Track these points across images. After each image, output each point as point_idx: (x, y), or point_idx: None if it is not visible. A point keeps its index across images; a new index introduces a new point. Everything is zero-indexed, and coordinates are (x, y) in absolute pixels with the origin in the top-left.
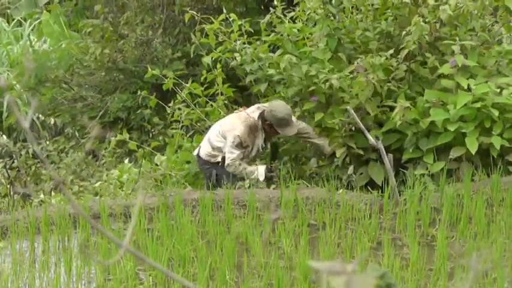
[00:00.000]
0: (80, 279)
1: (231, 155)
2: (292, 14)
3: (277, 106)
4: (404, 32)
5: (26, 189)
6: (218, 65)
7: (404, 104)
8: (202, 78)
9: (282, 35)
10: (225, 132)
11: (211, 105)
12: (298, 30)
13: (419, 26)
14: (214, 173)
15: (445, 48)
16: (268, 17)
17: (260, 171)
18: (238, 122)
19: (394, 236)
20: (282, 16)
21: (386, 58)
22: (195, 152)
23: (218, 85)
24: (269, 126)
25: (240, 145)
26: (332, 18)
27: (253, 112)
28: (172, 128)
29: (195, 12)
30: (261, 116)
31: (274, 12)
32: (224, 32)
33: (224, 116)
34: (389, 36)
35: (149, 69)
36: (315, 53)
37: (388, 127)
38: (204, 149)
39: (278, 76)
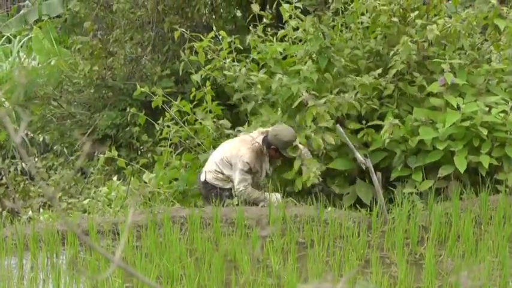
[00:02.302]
0: None
1: (243, 182)
2: (282, 31)
3: (282, 130)
4: (392, 52)
5: (14, 205)
6: (207, 83)
7: (393, 122)
8: (191, 96)
9: (266, 53)
10: (231, 158)
11: (200, 122)
12: (283, 49)
13: (407, 45)
14: (225, 194)
15: (434, 67)
16: (249, 37)
17: (274, 199)
18: (244, 147)
19: (382, 254)
20: (262, 35)
21: (375, 77)
22: (202, 178)
23: (207, 103)
24: (274, 150)
25: (249, 171)
26: (322, 36)
27: (257, 137)
28: (161, 146)
29: (184, 30)
30: (265, 140)
31: (255, 32)
32: (213, 50)
33: (219, 139)
34: (378, 55)
35: (138, 86)
36: (304, 73)
37: (376, 146)
38: (211, 175)
39: (266, 96)
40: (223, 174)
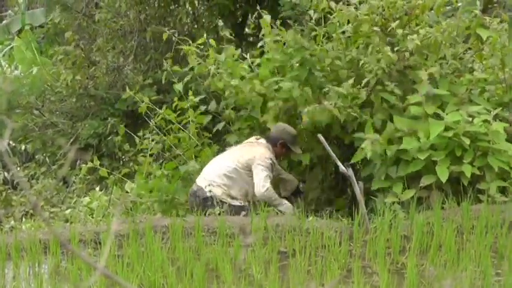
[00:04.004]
0: None
1: (267, 179)
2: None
3: (287, 126)
4: (367, 60)
5: None
6: (190, 92)
7: (374, 138)
8: (173, 106)
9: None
10: (249, 162)
11: (183, 130)
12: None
13: (386, 55)
14: (227, 210)
15: (415, 76)
16: (223, 54)
17: (290, 207)
18: (257, 147)
19: (364, 264)
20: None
21: (353, 85)
22: (207, 194)
23: (189, 112)
24: (282, 146)
25: (272, 167)
26: (303, 48)
27: (257, 140)
28: (143, 156)
29: (171, 33)
30: (271, 138)
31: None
32: (200, 56)
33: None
34: (359, 64)
35: (127, 90)
36: (284, 87)
37: (358, 158)
38: (220, 190)
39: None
40: (232, 188)
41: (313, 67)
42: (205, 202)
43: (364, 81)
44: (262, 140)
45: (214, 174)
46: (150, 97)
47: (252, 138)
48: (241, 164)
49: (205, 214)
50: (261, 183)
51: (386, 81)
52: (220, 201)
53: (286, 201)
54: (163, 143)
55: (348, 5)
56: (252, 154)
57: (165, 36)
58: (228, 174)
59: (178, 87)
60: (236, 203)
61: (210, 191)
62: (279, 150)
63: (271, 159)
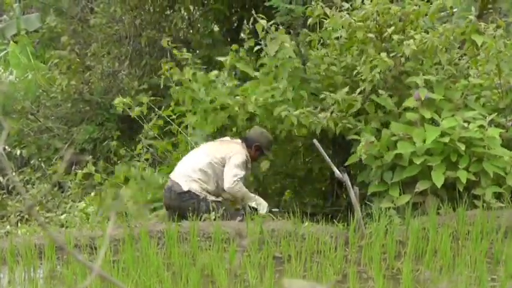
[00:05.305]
0: None
1: (237, 175)
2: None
3: (264, 130)
4: (361, 70)
5: None
6: (187, 97)
7: (369, 139)
8: (169, 110)
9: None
10: (225, 157)
11: (181, 132)
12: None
13: (382, 61)
14: (202, 204)
15: (411, 82)
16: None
17: (264, 203)
18: (233, 144)
19: (359, 269)
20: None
21: (347, 92)
22: (184, 189)
23: (186, 116)
24: (256, 149)
25: (245, 164)
26: (295, 56)
27: (232, 139)
28: (138, 161)
29: (167, 40)
30: (247, 140)
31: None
32: (196, 62)
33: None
34: (354, 71)
35: (119, 97)
36: (277, 95)
37: (352, 160)
38: (197, 184)
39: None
40: (207, 183)
41: (307, 74)
42: (181, 197)
43: (358, 90)
44: (238, 140)
45: (190, 169)
46: (144, 101)
47: (226, 138)
48: (217, 158)
49: (179, 210)
50: (231, 178)
51: (382, 87)
52: (197, 195)
53: (258, 197)
54: (157, 148)
55: (340, 11)
56: (228, 150)
57: (164, 44)
58: (203, 169)
59: (176, 90)
60: (213, 197)
61: (187, 186)
62: (253, 153)
63: (246, 156)
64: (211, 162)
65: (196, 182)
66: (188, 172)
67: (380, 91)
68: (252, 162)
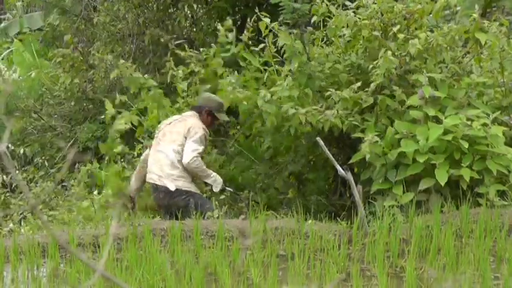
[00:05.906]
0: None
1: (195, 150)
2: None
3: (211, 94)
4: (371, 66)
5: None
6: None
7: (373, 139)
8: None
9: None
10: (184, 133)
11: None
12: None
13: (386, 59)
14: (192, 201)
15: (415, 80)
16: (233, 47)
17: (219, 180)
18: (187, 122)
19: (363, 267)
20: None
21: (355, 91)
22: (172, 189)
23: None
24: (207, 114)
25: (204, 139)
26: (301, 52)
27: (183, 115)
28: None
29: (170, 38)
30: (196, 107)
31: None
32: (199, 60)
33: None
34: (359, 69)
35: (118, 97)
36: (281, 93)
37: (356, 158)
38: (181, 181)
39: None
40: (188, 174)
41: (312, 72)
42: (172, 197)
43: (372, 85)
44: (190, 112)
45: (166, 168)
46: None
47: (178, 115)
48: (178, 151)
49: (178, 208)
50: (190, 154)
51: (388, 86)
52: (186, 191)
53: (214, 174)
54: None
55: (345, 9)
56: (185, 127)
57: (170, 46)
58: (175, 164)
59: (183, 86)
60: (197, 191)
61: (173, 185)
62: (205, 119)
63: (203, 129)
64: (177, 150)
65: (180, 178)
66: (167, 171)
67: (394, 87)
68: (209, 129)
